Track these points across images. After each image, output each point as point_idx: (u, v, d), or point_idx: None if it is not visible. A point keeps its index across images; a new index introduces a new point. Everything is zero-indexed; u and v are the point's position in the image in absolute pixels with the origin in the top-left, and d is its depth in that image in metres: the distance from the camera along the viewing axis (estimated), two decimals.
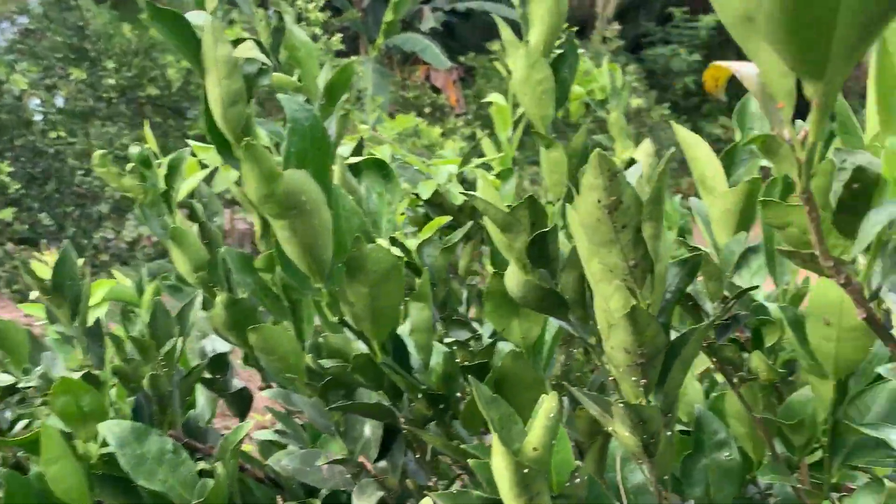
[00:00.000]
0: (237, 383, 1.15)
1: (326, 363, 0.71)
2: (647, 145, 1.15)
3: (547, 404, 0.56)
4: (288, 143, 0.62)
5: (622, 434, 0.63)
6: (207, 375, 1.12)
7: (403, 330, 0.80)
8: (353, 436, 0.90)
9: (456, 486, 0.86)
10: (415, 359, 0.75)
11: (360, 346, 0.75)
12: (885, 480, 0.70)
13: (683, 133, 0.83)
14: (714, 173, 0.79)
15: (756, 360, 0.74)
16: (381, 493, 0.85)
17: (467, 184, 1.34)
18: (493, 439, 0.55)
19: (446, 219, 1.06)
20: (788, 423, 0.72)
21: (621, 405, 0.59)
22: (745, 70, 0.45)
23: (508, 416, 0.60)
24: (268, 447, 0.95)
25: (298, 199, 0.51)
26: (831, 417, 0.69)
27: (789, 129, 0.37)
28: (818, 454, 0.79)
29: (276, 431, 1.05)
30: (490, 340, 0.81)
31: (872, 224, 0.35)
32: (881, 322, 0.40)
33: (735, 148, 0.90)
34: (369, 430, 0.89)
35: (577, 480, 0.59)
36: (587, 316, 0.68)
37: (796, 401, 0.74)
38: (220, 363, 1.13)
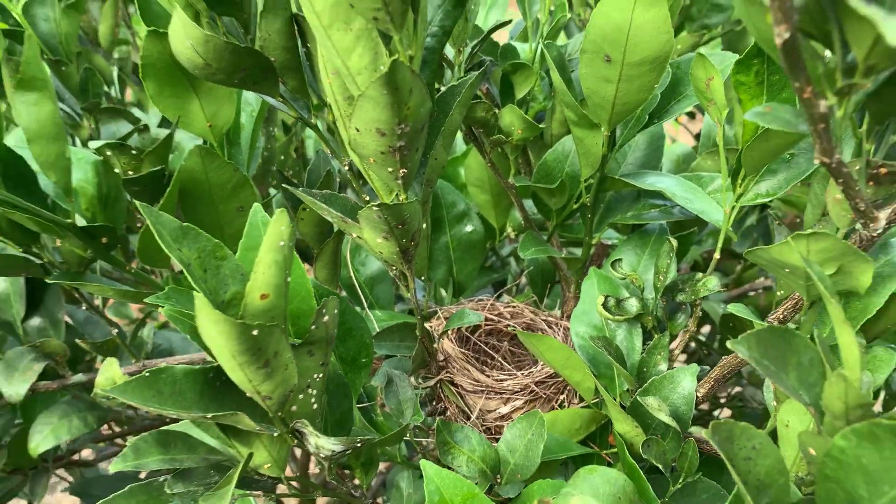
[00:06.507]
0: None
1: None
2: None
3: (274, 227, 0.36)
4: None
5: (374, 241, 0.46)
6: None
7: (16, 140, 0.53)
8: None
9: (147, 331, 0.65)
10: (45, 181, 0.49)
11: None
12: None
13: None
14: None
15: (509, 116, 0.60)
16: (43, 363, 0.61)
17: None
18: (196, 298, 0.35)
19: None
20: (548, 186, 0.61)
21: (375, 209, 0.41)
22: None
23: (210, 252, 0.39)
24: None
25: None
26: (599, 173, 0.59)
27: None
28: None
29: None
30: (163, 133, 0.57)
31: None
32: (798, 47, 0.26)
33: None
34: (3, 284, 0.62)
35: (326, 319, 0.42)
36: (305, 85, 0.47)
37: (553, 159, 0.63)
38: None
